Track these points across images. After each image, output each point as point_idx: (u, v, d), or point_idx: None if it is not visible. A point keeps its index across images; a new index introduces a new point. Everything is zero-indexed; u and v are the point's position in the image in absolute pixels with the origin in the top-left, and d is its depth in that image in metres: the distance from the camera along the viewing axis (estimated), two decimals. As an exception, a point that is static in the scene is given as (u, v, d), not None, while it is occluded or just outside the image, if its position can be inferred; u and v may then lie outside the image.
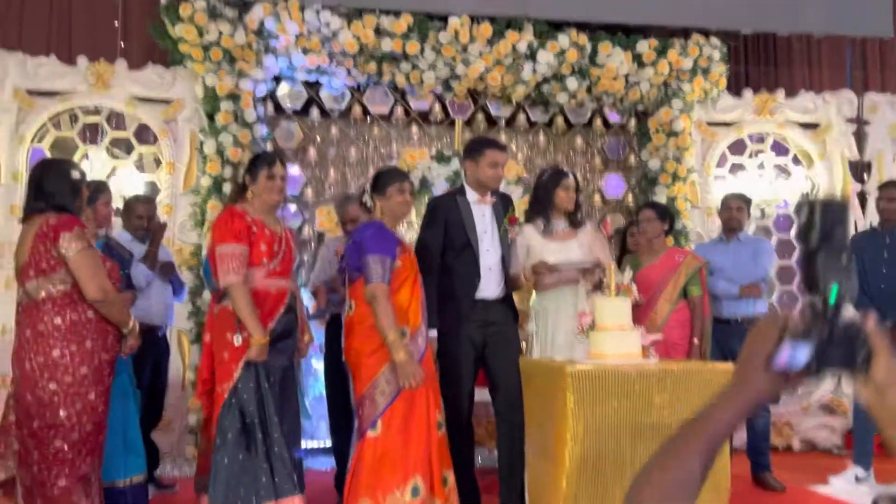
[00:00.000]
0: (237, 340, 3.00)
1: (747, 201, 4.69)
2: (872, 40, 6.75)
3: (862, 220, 5.93)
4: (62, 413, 2.70)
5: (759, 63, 6.89)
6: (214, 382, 3.05)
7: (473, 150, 3.71)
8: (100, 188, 3.53)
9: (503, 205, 3.81)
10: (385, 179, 3.31)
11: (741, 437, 4.85)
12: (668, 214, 4.45)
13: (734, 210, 4.59)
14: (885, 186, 4.65)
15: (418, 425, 3.04)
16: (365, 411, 3.04)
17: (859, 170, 6.12)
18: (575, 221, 3.82)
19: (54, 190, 2.86)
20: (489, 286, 3.62)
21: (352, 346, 3.13)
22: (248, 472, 2.96)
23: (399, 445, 2.99)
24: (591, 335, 2.80)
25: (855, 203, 5.96)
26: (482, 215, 3.69)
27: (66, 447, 2.70)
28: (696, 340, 4.04)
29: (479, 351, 3.59)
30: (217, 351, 3.06)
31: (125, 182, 5.08)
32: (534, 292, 3.78)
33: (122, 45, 5.71)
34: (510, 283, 3.72)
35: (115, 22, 5.68)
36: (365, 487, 2.97)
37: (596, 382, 2.51)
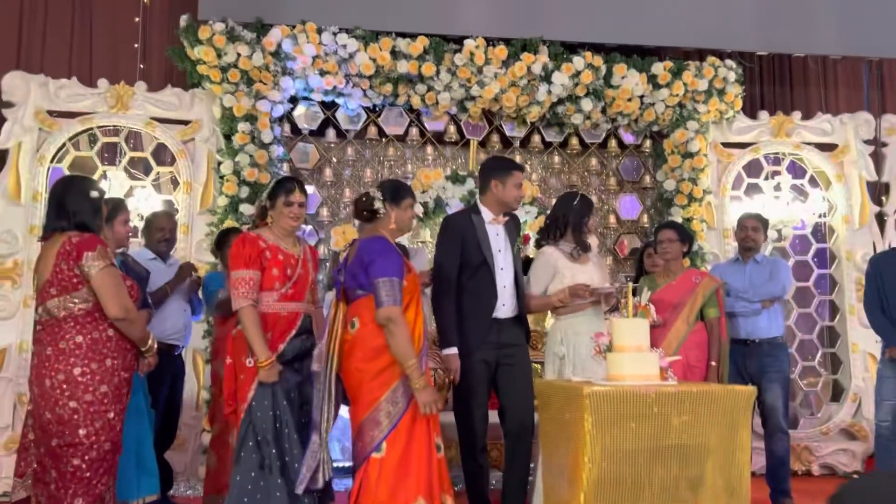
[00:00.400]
0: (249, 362, 3.02)
1: (764, 221, 4.66)
2: (890, 61, 6.74)
3: (881, 241, 5.88)
4: (81, 432, 2.71)
5: (775, 84, 6.87)
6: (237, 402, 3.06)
7: (501, 169, 3.71)
8: (118, 206, 3.56)
9: (513, 224, 3.84)
10: (402, 191, 3.29)
11: (761, 462, 4.78)
12: (688, 235, 4.44)
13: (750, 230, 4.56)
14: None
15: (420, 447, 2.99)
16: (369, 434, 2.99)
17: (878, 191, 6.07)
18: (585, 245, 3.85)
19: (76, 208, 2.89)
20: (505, 306, 3.61)
21: (354, 367, 3.06)
22: (261, 491, 2.95)
23: (403, 467, 2.95)
24: (609, 356, 2.77)
25: (874, 225, 5.91)
26: (496, 234, 3.69)
27: (84, 466, 2.70)
28: (713, 363, 4.00)
29: (492, 372, 3.57)
30: (238, 372, 3.07)
31: (143, 202, 5.13)
32: (550, 315, 3.76)
33: (142, 67, 5.79)
34: (523, 303, 3.72)
35: (136, 45, 5.77)
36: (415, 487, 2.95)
37: (614, 404, 2.48)
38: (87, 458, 2.70)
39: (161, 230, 4.22)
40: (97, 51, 5.77)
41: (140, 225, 4.77)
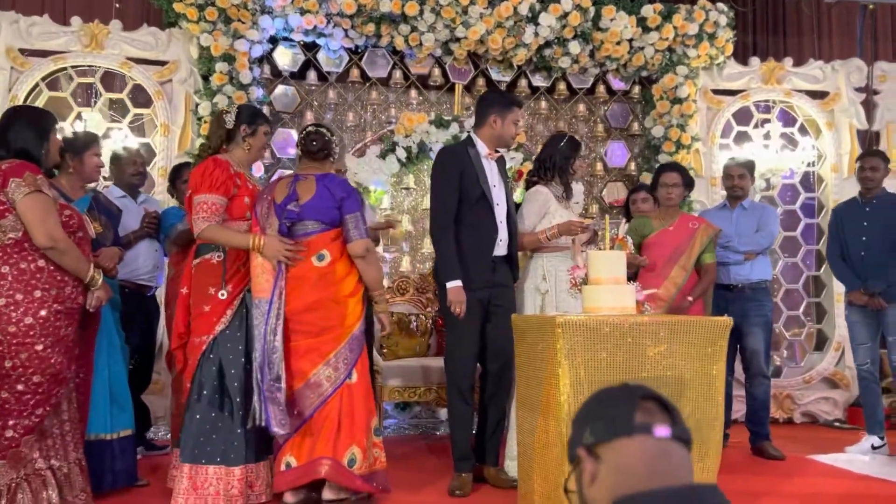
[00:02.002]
0: (222, 294, 2.96)
1: (750, 167, 4.59)
2: (884, 7, 6.61)
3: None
4: (7, 364, 2.60)
5: (768, 32, 6.75)
6: (190, 335, 3.01)
7: (502, 104, 3.62)
8: (89, 140, 3.45)
9: (503, 162, 3.77)
10: (334, 143, 3.31)
11: (741, 408, 4.79)
12: (691, 180, 4.34)
13: (736, 178, 4.51)
14: (864, 156, 4.61)
15: (368, 371, 3.19)
16: (344, 362, 3.06)
17: (868, 140, 6.00)
18: (569, 192, 3.82)
19: (17, 137, 2.74)
20: (502, 241, 3.56)
21: (330, 298, 3.08)
22: (219, 433, 2.94)
23: (367, 389, 3.10)
24: (585, 289, 2.72)
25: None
26: (491, 169, 3.62)
27: (11, 398, 2.60)
28: (689, 298, 3.95)
29: (484, 311, 3.52)
30: (195, 304, 3.03)
31: (120, 144, 5.00)
32: (533, 253, 3.71)
33: (118, 6, 5.63)
34: (516, 241, 3.66)
35: (111, -18, 5.59)
36: (354, 432, 3.02)
37: (587, 334, 2.43)
38: (13, 390, 2.59)
39: (133, 165, 4.12)
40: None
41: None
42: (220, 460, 2.96)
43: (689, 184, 4.24)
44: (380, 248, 5.14)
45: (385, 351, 4.76)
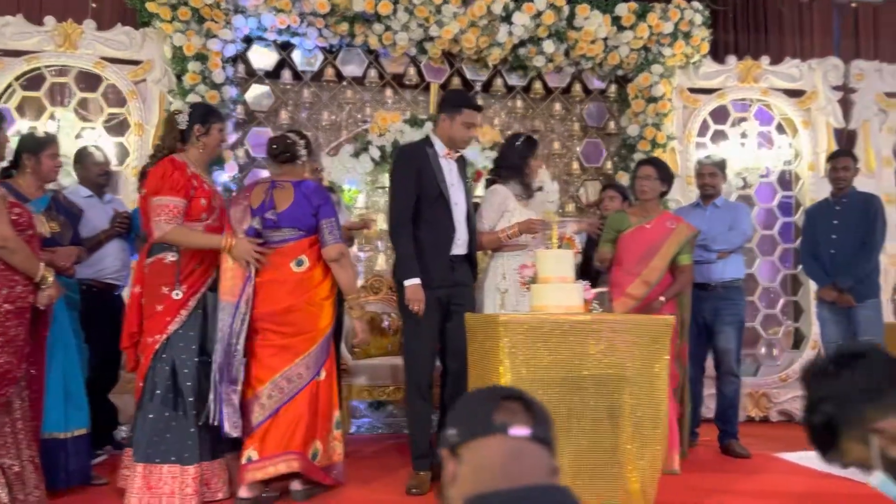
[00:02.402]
0: (177, 294, 2.98)
1: (721, 166, 4.58)
2: (866, 6, 6.60)
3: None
4: None
5: (749, 30, 6.75)
6: (141, 335, 3.02)
7: (452, 105, 3.62)
8: (45, 141, 3.45)
9: (464, 163, 3.79)
10: (317, 149, 3.55)
11: (711, 407, 4.79)
12: (668, 175, 4.14)
13: (707, 177, 4.50)
14: (835, 156, 4.63)
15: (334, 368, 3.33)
16: (316, 362, 3.17)
17: (845, 139, 5.99)
18: (528, 191, 3.83)
19: None
20: (460, 241, 3.56)
21: (305, 302, 3.18)
22: (172, 432, 2.96)
23: (333, 385, 3.22)
24: (533, 288, 2.73)
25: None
26: (450, 169, 3.63)
27: None
28: (661, 298, 3.84)
29: (444, 310, 3.52)
30: (148, 303, 3.04)
31: (94, 143, 5.01)
32: (493, 253, 3.71)
33: (94, 6, 5.63)
34: (476, 241, 3.67)
35: (87, -17, 5.60)
36: (324, 425, 3.16)
37: (528, 333, 2.44)
38: None
39: (98, 165, 4.13)
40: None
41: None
42: (175, 459, 2.98)
43: (665, 178, 4.08)
44: (354, 248, 5.14)
45: (357, 350, 4.77)
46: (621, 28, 5.43)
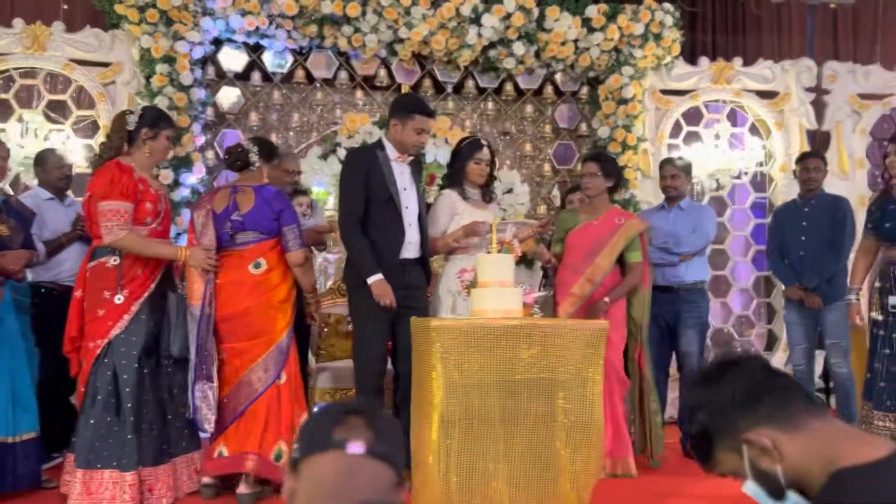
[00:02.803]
0: (118, 299, 2.98)
1: (684, 167, 4.55)
2: (845, 7, 6.58)
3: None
4: None
5: (725, 31, 6.75)
6: (83, 340, 3.03)
7: (402, 110, 3.59)
8: None
9: (417, 167, 3.78)
10: (274, 151, 3.57)
11: (673, 411, 4.79)
12: (613, 170, 4.02)
13: (669, 178, 4.48)
14: (804, 157, 4.63)
15: (298, 370, 3.42)
16: (274, 364, 3.27)
17: (818, 140, 5.99)
18: (487, 195, 3.81)
19: None
20: (411, 244, 3.56)
21: (263, 304, 3.29)
22: (114, 437, 2.97)
23: (297, 388, 3.33)
24: (473, 292, 2.73)
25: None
26: (401, 172, 3.61)
27: None
28: (606, 299, 3.76)
29: (394, 313, 3.52)
30: (90, 308, 3.05)
31: (61, 146, 5.01)
32: (448, 256, 3.71)
33: (65, 8, 5.64)
34: (427, 246, 3.66)
35: (59, -15, 5.60)
36: (280, 431, 3.23)
37: (460, 337, 2.44)
38: None
39: (59, 168, 4.13)
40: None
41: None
42: (116, 465, 2.98)
43: (609, 174, 3.96)
44: (322, 254, 5.13)
45: (322, 352, 4.76)
46: (591, 30, 5.43)
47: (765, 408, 1.31)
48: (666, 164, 4.61)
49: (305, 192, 4.52)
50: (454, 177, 3.79)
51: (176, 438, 3.21)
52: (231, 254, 3.33)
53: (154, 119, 3.22)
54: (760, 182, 6.00)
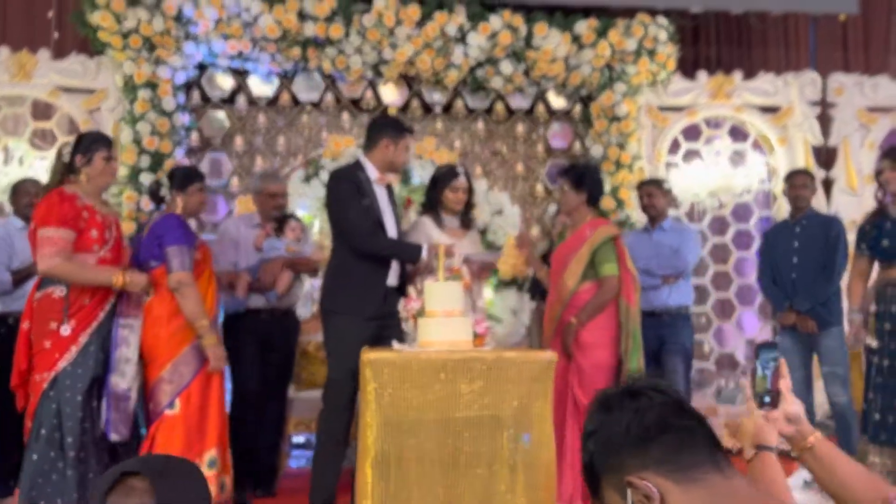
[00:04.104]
0: (65, 330, 2.91)
1: (661, 186, 4.41)
2: (854, 17, 6.35)
3: (826, 207, 5.58)
4: None
5: (730, 44, 6.55)
6: (31, 373, 2.95)
7: (394, 129, 3.58)
8: None
9: (391, 189, 3.71)
10: (189, 177, 3.51)
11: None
12: (583, 181, 3.70)
13: (646, 198, 4.34)
14: (792, 175, 4.44)
15: (214, 403, 3.24)
16: (162, 392, 3.15)
17: (824, 156, 5.76)
18: (465, 222, 3.73)
19: None
20: (393, 271, 3.46)
21: (149, 331, 3.21)
22: (56, 473, 2.87)
23: (197, 421, 3.16)
24: (420, 322, 2.58)
25: (819, 190, 5.59)
26: (381, 195, 3.55)
27: None
28: (573, 320, 3.47)
29: (373, 343, 3.38)
30: (37, 339, 2.97)
31: (44, 173, 4.99)
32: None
33: (57, 36, 5.66)
34: (405, 270, 3.56)
35: (49, 13, 5.63)
36: None
37: (397, 372, 2.29)
38: None
39: (26, 195, 4.10)
40: (11, 17, 5.66)
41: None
42: (60, 502, 2.88)
43: (580, 185, 3.67)
44: (309, 280, 5.02)
45: (304, 378, 4.65)
46: (582, 46, 5.29)
47: (658, 450, 1.13)
48: (642, 184, 4.51)
49: (296, 218, 4.42)
50: (431, 203, 3.73)
51: None
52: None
53: (87, 144, 3.17)
54: (764, 200, 5.78)
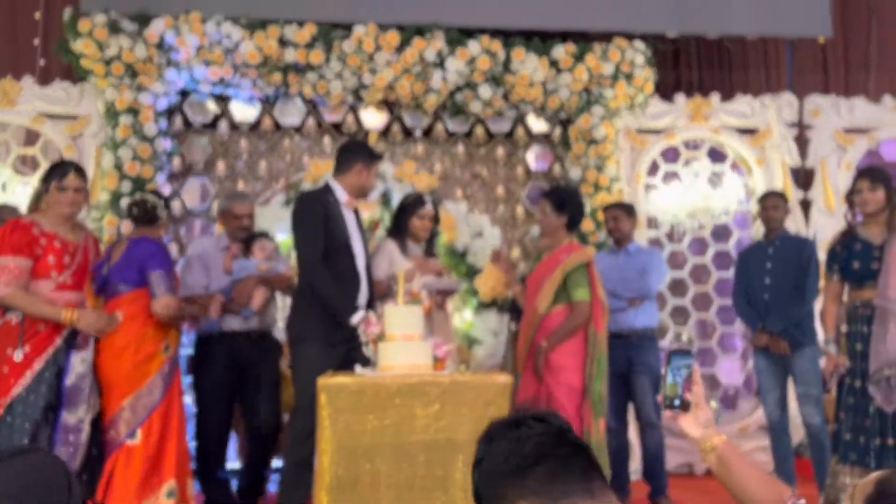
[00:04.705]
0: (18, 356, 2.93)
1: (627, 209, 4.46)
2: (833, 40, 6.43)
3: (805, 228, 5.61)
4: None
5: (710, 68, 6.61)
6: None
7: (366, 154, 3.66)
8: None
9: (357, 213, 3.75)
10: (159, 209, 3.61)
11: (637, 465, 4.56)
12: (564, 204, 3.76)
13: (611, 220, 4.38)
14: (763, 197, 4.49)
15: (174, 433, 3.22)
16: (124, 422, 3.14)
17: (802, 177, 5.80)
18: (429, 250, 3.84)
19: None
20: (362, 293, 3.48)
21: (111, 358, 3.22)
22: None
23: (157, 452, 3.15)
24: (380, 346, 2.60)
25: (797, 211, 5.63)
26: (350, 219, 3.60)
27: None
28: (543, 343, 3.49)
29: (339, 367, 3.40)
30: None
31: (25, 199, 5.04)
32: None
33: (43, 64, 5.73)
34: (374, 292, 3.59)
35: (35, 41, 5.71)
36: (124, 495, 3.05)
37: (352, 397, 2.31)
38: None
39: (2, 221, 4.13)
40: (-3, 47, 5.74)
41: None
42: None
43: (560, 208, 3.75)
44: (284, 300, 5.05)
45: (283, 401, 4.64)
46: (559, 71, 5.35)
47: (534, 480, 1.14)
48: (608, 207, 4.55)
49: (267, 236, 4.45)
50: (397, 229, 3.80)
51: None
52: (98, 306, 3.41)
53: (47, 173, 3.25)
54: (743, 221, 5.82)
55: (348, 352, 3.35)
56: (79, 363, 3.05)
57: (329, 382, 2.33)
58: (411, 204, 3.80)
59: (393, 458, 2.31)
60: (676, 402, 1.54)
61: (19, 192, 5.06)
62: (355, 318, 3.24)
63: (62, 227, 3.14)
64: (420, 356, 2.54)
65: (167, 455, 3.17)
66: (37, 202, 3.18)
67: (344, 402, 2.31)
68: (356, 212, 3.69)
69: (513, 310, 4.81)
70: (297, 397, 3.44)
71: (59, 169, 3.19)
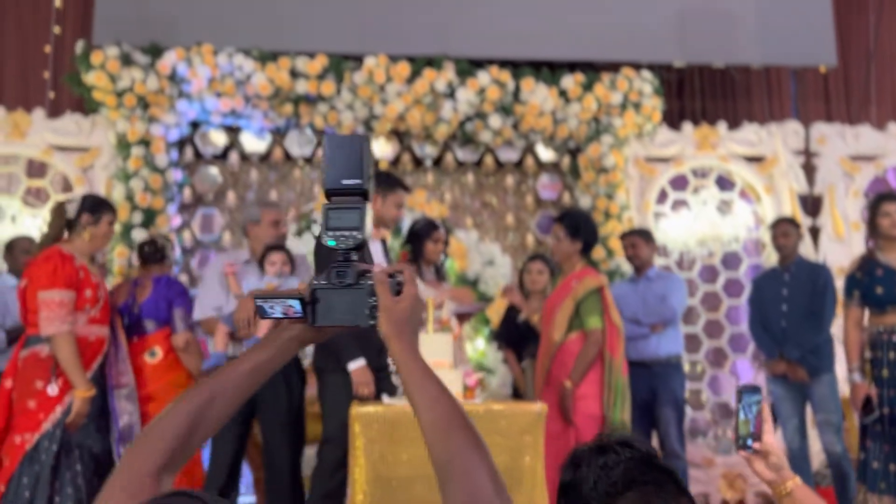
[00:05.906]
0: (52, 390, 2.87)
1: (644, 235, 4.45)
2: (836, 69, 6.50)
3: (814, 254, 5.62)
4: None
5: (714, 97, 6.68)
6: (9, 431, 2.89)
7: (384, 184, 3.56)
8: None
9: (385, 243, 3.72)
10: (168, 249, 3.85)
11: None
12: (578, 229, 3.65)
13: (629, 248, 4.37)
14: (774, 224, 4.49)
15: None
16: None
17: (810, 204, 5.83)
18: (440, 274, 3.80)
19: None
20: None
21: (160, 390, 3.28)
22: None
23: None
24: (409, 375, 2.56)
25: (806, 238, 5.64)
26: (376, 251, 3.54)
27: None
28: (567, 383, 3.41)
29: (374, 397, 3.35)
30: (20, 398, 2.92)
31: (35, 232, 5.01)
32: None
33: (52, 97, 5.75)
34: None
35: (45, 73, 5.73)
36: None
37: (386, 427, 2.27)
38: None
39: (24, 253, 4.10)
40: (8, 78, 5.76)
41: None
42: None
43: (574, 234, 3.66)
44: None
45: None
46: (569, 100, 5.39)
47: None
48: (625, 234, 4.53)
49: (281, 248, 4.26)
50: (413, 255, 3.80)
51: None
52: (130, 343, 3.45)
53: (94, 205, 3.20)
54: (754, 248, 5.83)
55: (377, 381, 3.31)
56: (124, 401, 3.03)
57: (363, 412, 2.29)
58: (425, 228, 3.77)
59: (428, 489, 2.26)
60: (750, 442, 1.49)
61: (28, 224, 5.04)
62: (353, 365, 3.17)
63: (88, 260, 3.11)
64: (450, 385, 2.50)
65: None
66: (60, 233, 3.13)
67: (377, 432, 2.27)
68: (383, 241, 3.65)
69: (498, 336, 4.70)
70: (325, 427, 3.36)
71: (108, 205, 3.24)
